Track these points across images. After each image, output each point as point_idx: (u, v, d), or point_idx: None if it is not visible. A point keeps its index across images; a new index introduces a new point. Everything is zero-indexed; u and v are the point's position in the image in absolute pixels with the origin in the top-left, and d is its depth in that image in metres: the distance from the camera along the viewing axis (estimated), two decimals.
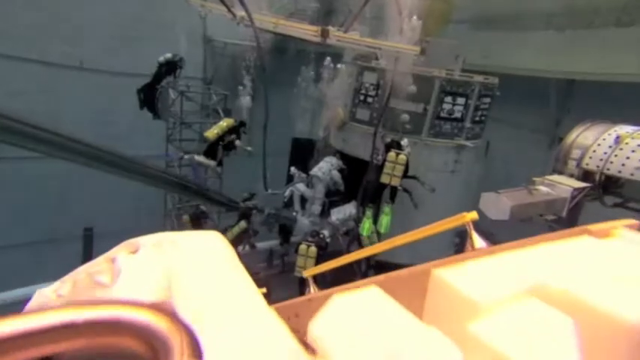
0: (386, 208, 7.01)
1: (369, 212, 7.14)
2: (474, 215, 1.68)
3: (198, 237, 0.96)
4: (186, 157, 8.40)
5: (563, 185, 4.08)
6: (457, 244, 9.30)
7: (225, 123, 7.37)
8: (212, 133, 7.22)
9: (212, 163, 7.36)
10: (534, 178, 4.32)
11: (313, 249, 6.13)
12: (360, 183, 7.36)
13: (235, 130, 7.65)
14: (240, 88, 9.25)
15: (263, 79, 7.31)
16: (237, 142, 7.72)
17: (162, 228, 11.32)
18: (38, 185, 10.35)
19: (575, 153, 4.25)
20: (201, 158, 7.57)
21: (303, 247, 6.20)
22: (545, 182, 4.19)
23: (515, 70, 9.34)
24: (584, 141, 4.22)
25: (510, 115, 9.97)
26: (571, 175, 4.32)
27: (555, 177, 4.32)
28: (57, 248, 11.01)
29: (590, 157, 4.08)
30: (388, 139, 6.80)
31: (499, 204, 3.88)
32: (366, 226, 7.03)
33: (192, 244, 0.92)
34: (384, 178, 6.54)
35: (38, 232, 10.76)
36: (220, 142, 7.28)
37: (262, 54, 7.01)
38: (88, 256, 11.65)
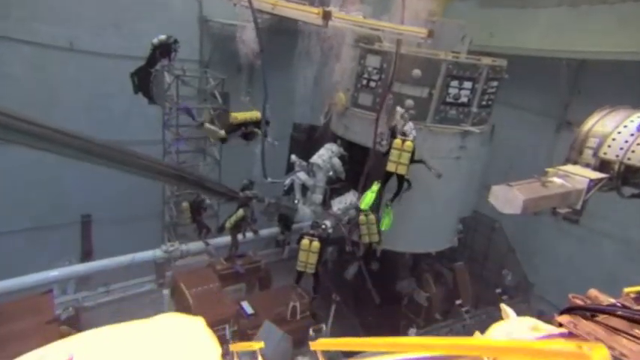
0: (387, 207, 6.80)
1: (374, 187, 6.78)
2: (603, 354, 0.84)
3: (170, 334, 0.74)
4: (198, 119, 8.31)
5: (579, 176, 3.84)
6: (461, 231, 9.16)
7: (254, 115, 7.47)
8: (241, 115, 7.22)
9: (222, 132, 7.32)
10: (547, 169, 4.07)
11: (316, 244, 5.92)
12: (362, 170, 7.13)
13: (258, 124, 7.65)
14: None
15: (262, 60, 6.98)
16: (269, 140, 7.75)
17: (162, 215, 11.17)
18: (34, 171, 10.14)
19: (592, 141, 3.99)
20: (212, 127, 7.53)
21: (305, 241, 5.98)
22: (560, 173, 3.94)
23: (524, 50, 8.96)
24: (602, 128, 3.95)
25: (516, 97, 9.65)
26: (587, 165, 4.07)
27: (569, 167, 4.07)
28: (54, 235, 10.91)
29: (609, 146, 3.83)
30: (393, 123, 6.50)
31: (511, 197, 3.65)
32: (366, 199, 6.65)
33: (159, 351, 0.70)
34: (390, 167, 6.26)
35: (35, 218, 10.63)
36: (243, 128, 7.30)
37: (260, 35, 6.67)
38: (86, 243, 11.54)
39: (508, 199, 3.69)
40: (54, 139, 3.45)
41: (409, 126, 6.29)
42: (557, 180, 3.86)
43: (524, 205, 3.61)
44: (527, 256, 10.36)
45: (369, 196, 6.69)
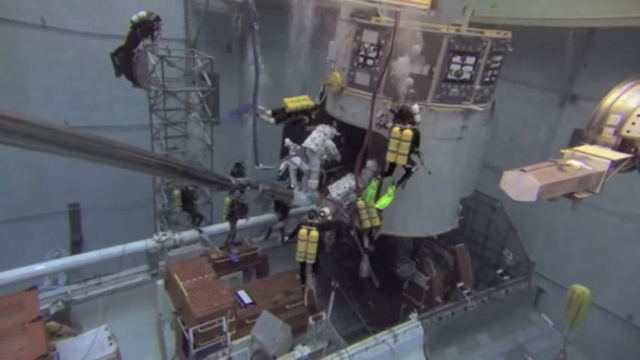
0: (389, 189, 6.52)
1: (374, 183, 6.66)
2: None
3: None
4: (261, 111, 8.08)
5: (599, 157, 3.53)
6: (460, 212, 8.91)
7: (306, 102, 7.24)
8: (293, 103, 7.05)
9: (271, 120, 7.08)
10: (563, 151, 3.75)
11: (314, 233, 5.62)
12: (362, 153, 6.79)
13: (309, 112, 7.39)
14: None
15: (253, 38, 6.50)
16: (308, 128, 7.48)
17: (153, 203, 10.82)
18: (15, 157, 9.68)
19: (613, 119, 3.67)
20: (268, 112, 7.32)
21: (303, 231, 5.69)
22: (577, 155, 3.63)
23: (527, 20, 8.52)
24: (625, 104, 3.62)
25: (517, 71, 9.24)
26: (605, 145, 3.77)
27: (587, 148, 3.76)
28: (41, 225, 10.56)
29: (634, 123, 3.51)
30: (400, 103, 6.11)
31: (525, 183, 3.34)
32: (369, 194, 6.60)
33: None
34: (390, 157, 5.96)
35: (19, 208, 10.24)
36: (293, 115, 7.13)
37: (250, 10, 6.18)
38: (76, 233, 11.21)
39: (522, 185, 3.37)
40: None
41: (415, 108, 5.93)
42: (575, 163, 3.55)
43: (540, 192, 3.30)
44: (528, 235, 10.20)
45: (371, 192, 6.56)
